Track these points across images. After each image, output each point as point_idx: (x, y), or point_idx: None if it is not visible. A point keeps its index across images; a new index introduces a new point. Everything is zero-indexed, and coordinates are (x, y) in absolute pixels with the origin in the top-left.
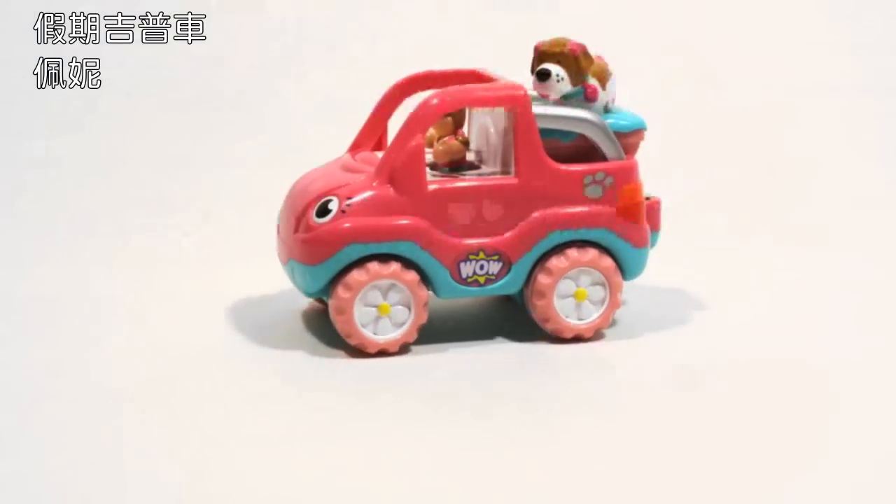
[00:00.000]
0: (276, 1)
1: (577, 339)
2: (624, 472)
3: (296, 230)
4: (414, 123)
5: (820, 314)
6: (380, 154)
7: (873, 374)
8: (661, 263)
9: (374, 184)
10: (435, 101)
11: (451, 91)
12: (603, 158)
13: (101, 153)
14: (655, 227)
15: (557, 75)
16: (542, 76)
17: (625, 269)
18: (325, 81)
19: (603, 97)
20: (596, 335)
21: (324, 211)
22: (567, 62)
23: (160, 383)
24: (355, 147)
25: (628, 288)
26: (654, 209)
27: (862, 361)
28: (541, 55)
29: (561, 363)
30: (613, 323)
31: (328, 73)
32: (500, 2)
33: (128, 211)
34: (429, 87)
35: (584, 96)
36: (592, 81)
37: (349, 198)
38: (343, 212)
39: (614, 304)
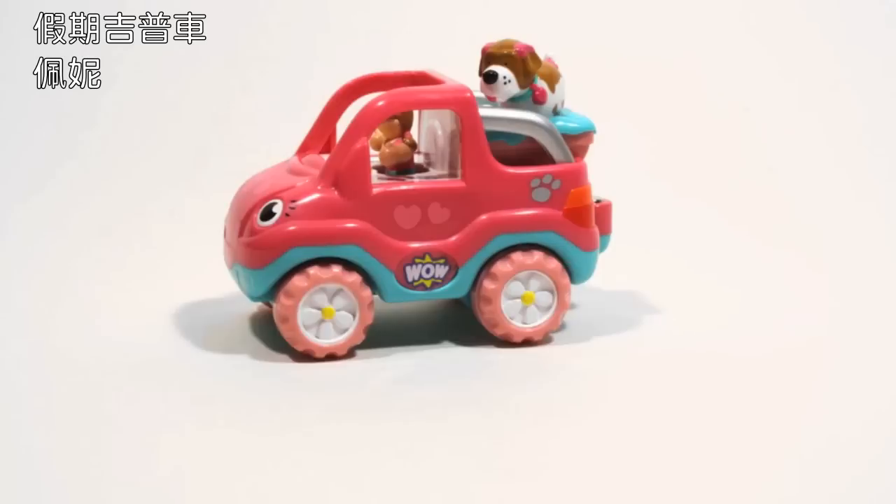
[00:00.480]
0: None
1: (527, 342)
2: (574, 477)
3: (240, 233)
4: (359, 125)
5: (773, 313)
6: (327, 156)
7: (832, 368)
8: (613, 267)
9: (319, 187)
10: (380, 103)
11: (397, 93)
12: (551, 161)
13: (98, 153)
14: (606, 231)
15: (504, 77)
16: (489, 78)
17: (573, 273)
18: (275, 82)
19: (552, 99)
20: (545, 339)
21: (268, 214)
22: (514, 64)
23: (102, 385)
24: (303, 149)
25: (579, 291)
26: (604, 212)
27: (819, 357)
28: (488, 57)
29: (508, 367)
30: (563, 327)
31: (278, 73)
32: (450, 2)
33: (79, 209)
34: (377, 89)
35: (531, 98)
36: (541, 84)
37: (293, 201)
38: (287, 215)
39: (563, 305)
